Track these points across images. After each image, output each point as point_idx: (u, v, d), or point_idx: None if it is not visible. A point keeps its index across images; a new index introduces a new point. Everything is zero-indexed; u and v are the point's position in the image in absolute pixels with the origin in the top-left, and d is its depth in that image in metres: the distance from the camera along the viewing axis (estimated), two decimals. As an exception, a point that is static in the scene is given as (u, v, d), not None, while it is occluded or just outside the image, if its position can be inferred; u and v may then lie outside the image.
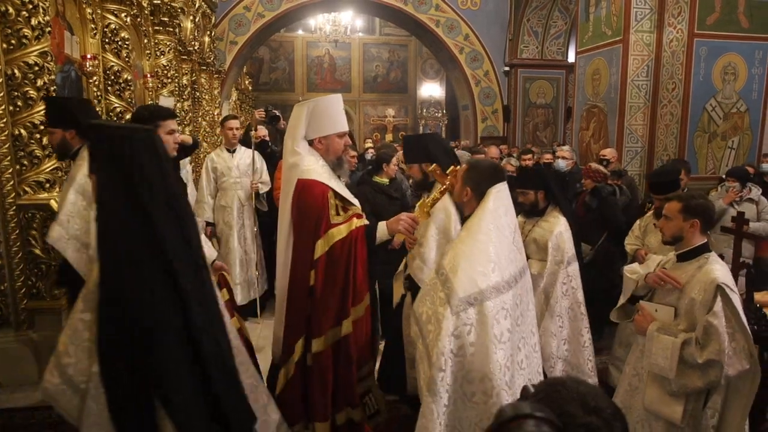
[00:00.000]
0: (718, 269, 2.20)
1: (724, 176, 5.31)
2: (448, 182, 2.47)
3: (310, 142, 2.41)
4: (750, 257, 4.33)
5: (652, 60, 6.57)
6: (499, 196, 2.13)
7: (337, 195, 2.42)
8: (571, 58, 11.01)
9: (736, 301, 2.10)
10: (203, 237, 2.83)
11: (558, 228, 3.23)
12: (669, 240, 2.39)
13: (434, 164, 2.73)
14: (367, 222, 2.45)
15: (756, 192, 4.63)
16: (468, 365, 1.91)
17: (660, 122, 6.55)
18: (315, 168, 2.39)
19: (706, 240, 2.30)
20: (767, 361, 2.88)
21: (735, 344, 2.06)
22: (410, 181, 4.15)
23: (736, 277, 3.03)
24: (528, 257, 2.99)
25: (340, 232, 2.35)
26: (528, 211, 3.40)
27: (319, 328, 2.34)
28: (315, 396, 2.35)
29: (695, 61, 6.13)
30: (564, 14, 11.64)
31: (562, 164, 5.24)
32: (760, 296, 2.88)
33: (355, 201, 2.54)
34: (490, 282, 1.96)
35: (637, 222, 3.83)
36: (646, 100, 6.66)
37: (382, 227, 2.45)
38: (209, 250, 2.80)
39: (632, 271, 2.55)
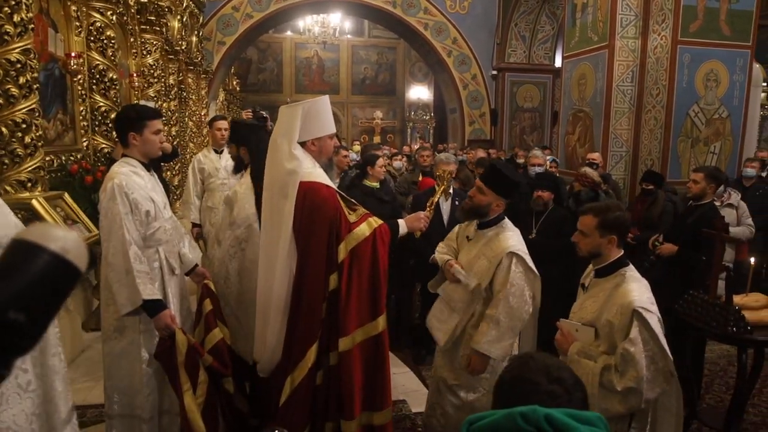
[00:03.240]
0: (634, 290, 2.07)
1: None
2: (444, 184, 2.91)
3: (302, 144, 2.40)
4: (731, 261, 4.40)
5: (636, 66, 6.66)
6: None
7: (341, 196, 2.41)
8: (558, 62, 11.12)
9: (654, 322, 1.99)
10: (189, 239, 2.80)
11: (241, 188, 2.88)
12: (586, 256, 2.27)
13: (441, 167, 3.11)
14: (381, 221, 2.44)
15: (735, 197, 4.69)
16: None
17: (644, 127, 6.64)
18: (315, 171, 2.37)
19: (622, 252, 2.21)
20: (744, 362, 2.95)
21: (654, 367, 1.98)
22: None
23: (716, 280, 3.09)
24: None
25: (362, 232, 2.33)
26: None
27: (345, 328, 2.30)
28: (344, 394, 2.32)
29: (678, 67, 6.22)
30: (551, 19, 11.76)
31: (539, 171, 5.16)
32: (739, 299, 2.93)
33: (355, 202, 2.53)
34: None
35: (457, 227, 2.94)
36: (630, 105, 6.75)
37: (402, 225, 2.53)
38: (192, 253, 2.76)
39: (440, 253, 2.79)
